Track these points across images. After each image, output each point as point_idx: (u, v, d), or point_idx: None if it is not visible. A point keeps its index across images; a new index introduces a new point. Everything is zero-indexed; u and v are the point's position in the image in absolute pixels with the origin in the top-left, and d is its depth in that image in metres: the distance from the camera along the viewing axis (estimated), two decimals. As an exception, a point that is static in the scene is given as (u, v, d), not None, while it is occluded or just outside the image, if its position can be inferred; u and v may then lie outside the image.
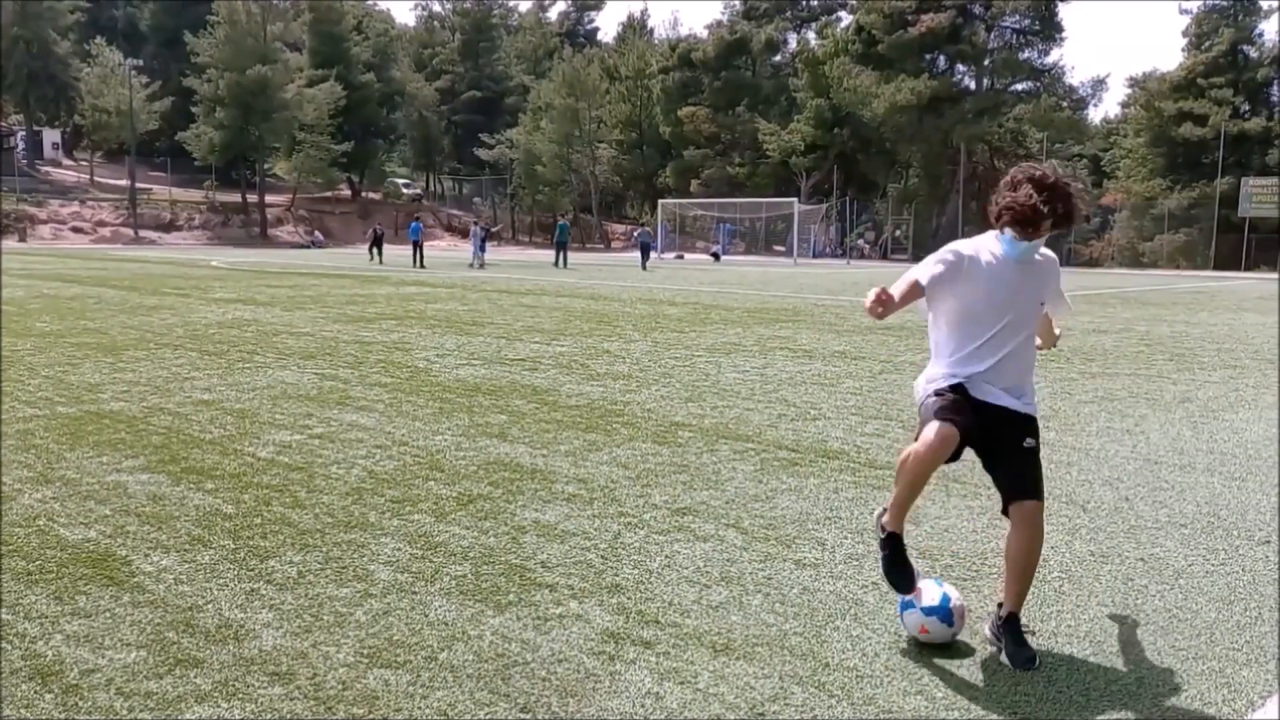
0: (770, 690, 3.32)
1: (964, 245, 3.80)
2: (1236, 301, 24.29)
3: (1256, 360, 12.23)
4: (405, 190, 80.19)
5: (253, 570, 4.31)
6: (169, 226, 62.48)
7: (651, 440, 7.01)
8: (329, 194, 72.94)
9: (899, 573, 3.68)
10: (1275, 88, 54.52)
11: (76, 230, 58.90)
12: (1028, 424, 3.83)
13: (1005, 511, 3.77)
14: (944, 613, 3.67)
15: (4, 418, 7.35)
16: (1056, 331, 4.33)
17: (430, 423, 7.47)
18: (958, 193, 56.05)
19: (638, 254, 40.56)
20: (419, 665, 3.43)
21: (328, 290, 21.98)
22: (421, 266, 35.10)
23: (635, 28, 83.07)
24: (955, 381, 3.77)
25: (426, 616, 3.85)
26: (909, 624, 3.72)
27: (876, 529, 3.88)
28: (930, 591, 3.71)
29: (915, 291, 3.75)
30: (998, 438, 3.78)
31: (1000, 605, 3.71)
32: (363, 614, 3.86)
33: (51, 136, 75.89)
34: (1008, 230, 3.64)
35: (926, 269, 3.75)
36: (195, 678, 3.30)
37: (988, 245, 3.75)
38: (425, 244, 39.73)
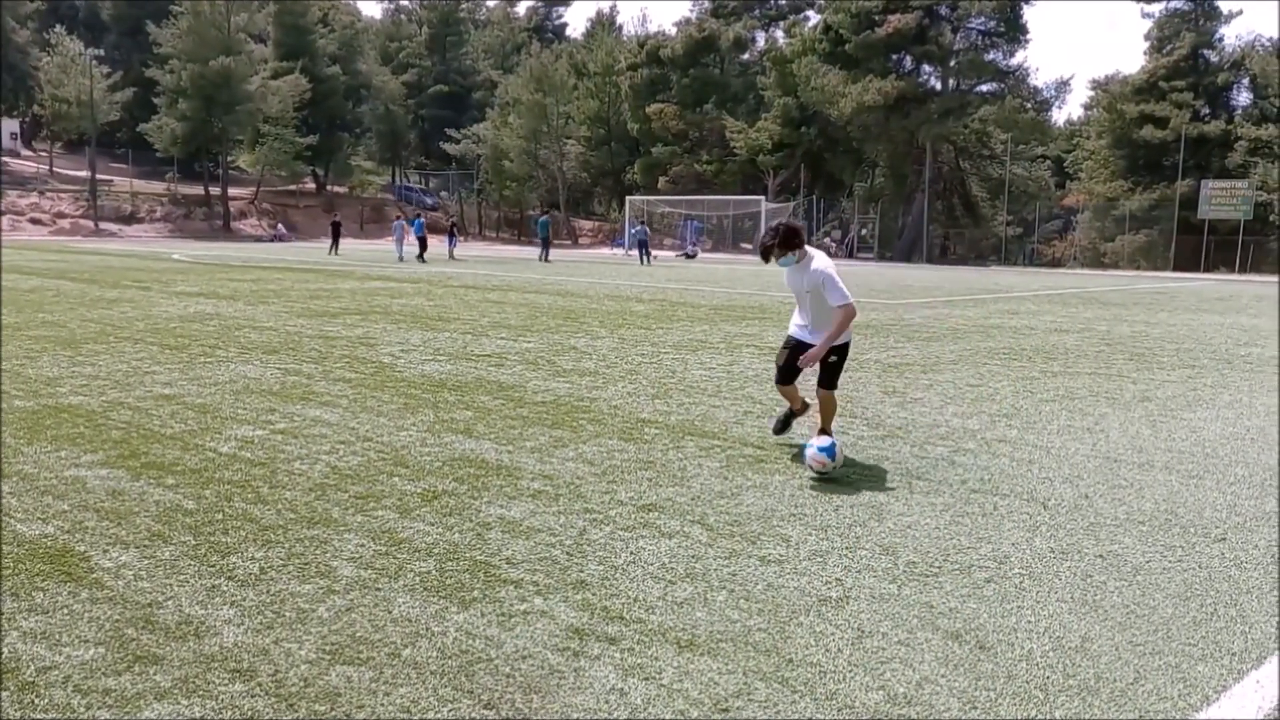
0: (734, 686, 3.33)
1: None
2: (1196, 302, 24.65)
3: (1214, 360, 12.43)
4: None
5: (214, 566, 4.27)
6: (130, 219, 61.69)
7: (618, 437, 7.02)
8: (293, 187, 72.30)
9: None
10: (1235, 91, 55.37)
11: (35, 222, 58.01)
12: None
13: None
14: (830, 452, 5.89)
15: (-41, 411, 7.24)
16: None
17: (395, 418, 7.43)
18: (923, 192, 56.43)
19: (610, 250, 41.04)
20: (382, 662, 3.42)
21: (291, 284, 21.80)
22: (421, 261, 35.48)
23: (604, 24, 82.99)
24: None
25: (390, 613, 3.83)
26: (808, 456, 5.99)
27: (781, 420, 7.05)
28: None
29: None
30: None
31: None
32: (325, 610, 3.84)
33: (10, 126, 74.72)
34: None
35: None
36: (155, 675, 3.27)
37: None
38: (396, 238, 40.01)
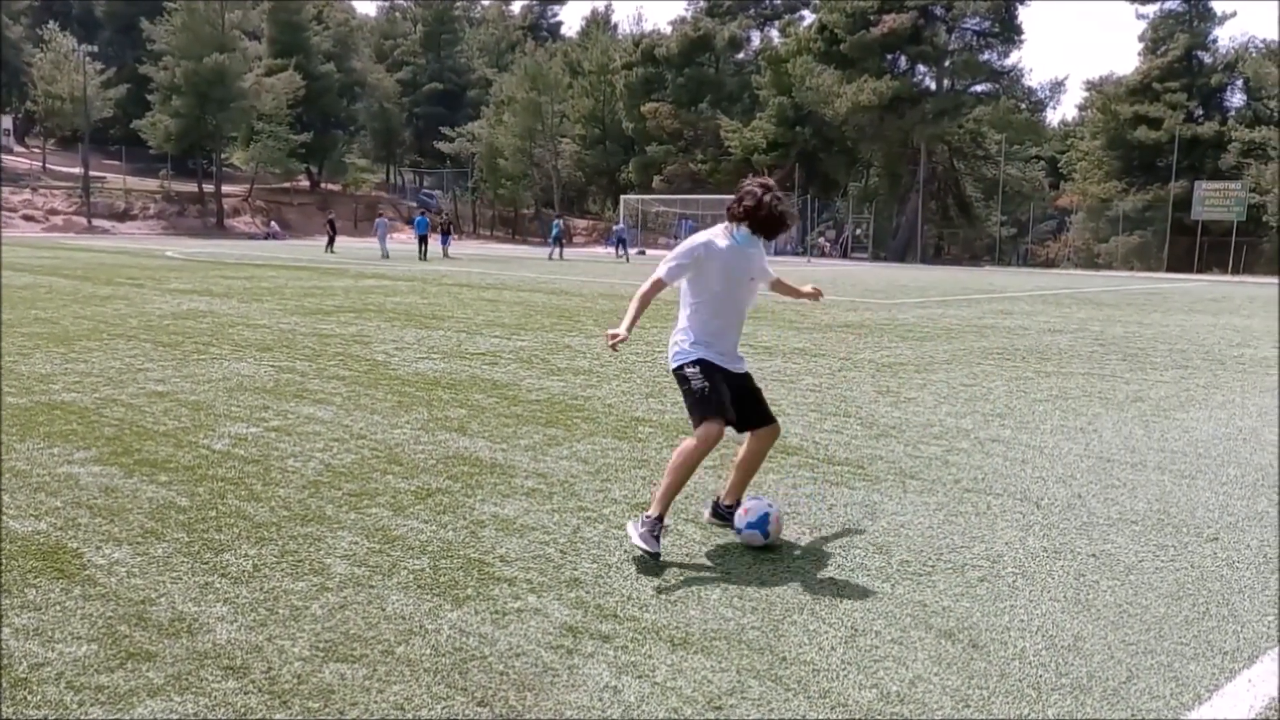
0: (727, 684, 3.33)
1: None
2: (1189, 303, 24.70)
3: (1207, 360, 12.46)
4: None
5: (207, 563, 4.26)
6: (123, 216, 61.56)
7: (612, 435, 7.01)
8: (287, 185, 72.20)
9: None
10: (1228, 93, 55.51)
11: (27, 219, 57.83)
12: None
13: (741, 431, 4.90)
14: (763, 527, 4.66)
15: (-49, 408, 7.22)
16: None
17: (389, 416, 7.42)
18: (917, 192, 56.48)
19: (604, 249, 42.08)
20: (375, 659, 3.41)
21: (285, 282, 21.76)
22: (424, 259, 35.63)
23: (599, 22, 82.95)
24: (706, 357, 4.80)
25: (383, 610, 3.83)
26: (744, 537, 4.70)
27: (645, 528, 4.49)
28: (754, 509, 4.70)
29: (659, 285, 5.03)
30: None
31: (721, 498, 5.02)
32: (319, 608, 3.83)
33: (3, 123, 74.55)
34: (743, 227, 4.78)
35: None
36: (148, 671, 3.27)
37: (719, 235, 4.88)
38: (390, 236, 40.33)
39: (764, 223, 4.72)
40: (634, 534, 4.46)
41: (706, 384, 4.66)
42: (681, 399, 4.88)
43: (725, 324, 4.91)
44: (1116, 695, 3.36)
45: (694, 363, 4.75)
